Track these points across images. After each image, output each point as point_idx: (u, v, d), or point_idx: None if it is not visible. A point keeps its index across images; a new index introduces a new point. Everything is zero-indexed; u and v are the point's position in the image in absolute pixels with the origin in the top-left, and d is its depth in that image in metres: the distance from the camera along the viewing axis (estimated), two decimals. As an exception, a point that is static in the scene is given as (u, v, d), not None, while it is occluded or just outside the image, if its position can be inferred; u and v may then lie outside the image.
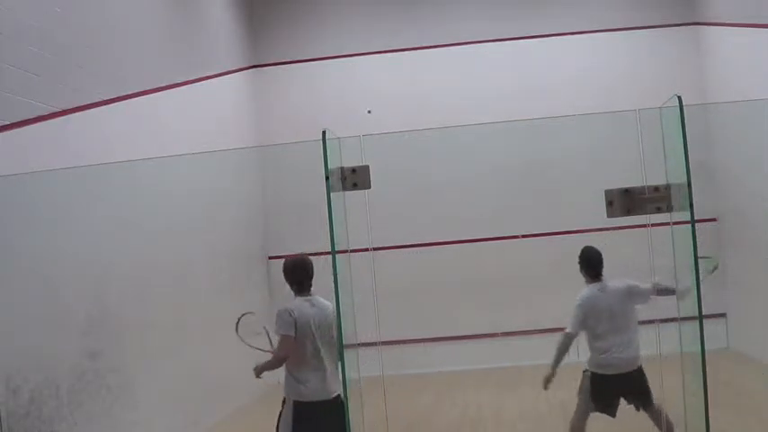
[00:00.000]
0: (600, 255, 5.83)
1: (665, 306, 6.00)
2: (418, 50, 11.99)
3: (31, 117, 5.80)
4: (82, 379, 6.14)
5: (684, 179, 4.87)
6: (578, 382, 6.04)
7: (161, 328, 7.64)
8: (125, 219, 7.23)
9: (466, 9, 11.96)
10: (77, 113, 6.52)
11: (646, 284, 5.69)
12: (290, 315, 5.05)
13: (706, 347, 4.80)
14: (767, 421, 6.96)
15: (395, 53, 12.02)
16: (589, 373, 5.80)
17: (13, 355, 5.28)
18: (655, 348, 6.88)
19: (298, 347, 5.06)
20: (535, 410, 8.38)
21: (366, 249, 7.43)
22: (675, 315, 5.44)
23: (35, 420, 5.43)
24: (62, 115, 6.24)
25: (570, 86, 11.47)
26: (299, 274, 5.25)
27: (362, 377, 5.93)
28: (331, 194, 5.34)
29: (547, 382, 5.76)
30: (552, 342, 6.00)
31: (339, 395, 5.14)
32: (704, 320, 4.86)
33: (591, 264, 5.82)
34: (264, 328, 5.39)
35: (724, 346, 10.69)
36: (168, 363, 7.66)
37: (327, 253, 5.40)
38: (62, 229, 6.13)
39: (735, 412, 6.97)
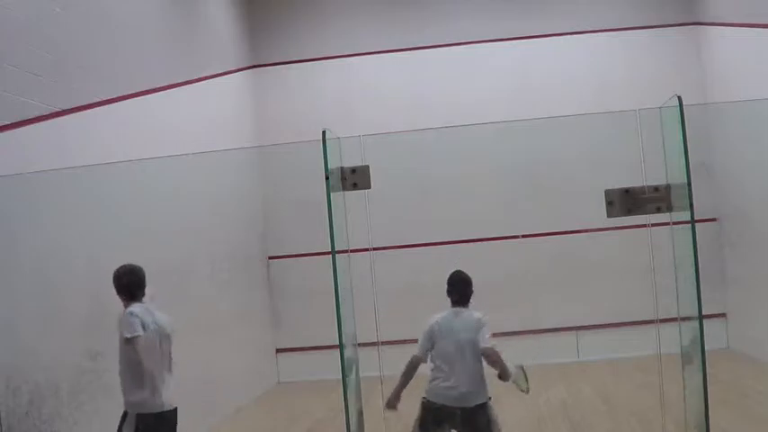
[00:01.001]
0: (468, 282, 5.56)
1: (666, 306, 6.00)
2: (418, 50, 11.99)
3: (31, 117, 5.80)
4: (82, 379, 6.14)
5: (684, 179, 4.87)
6: (572, 384, 5.92)
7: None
8: (125, 219, 7.23)
9: (466, 9, 11.95)
10: (77, 113, 6.51)
11: (487, 336, 5.15)
12: (137, 317, 4.72)
13: (706, 347, 4.80)
14: (767, 421, 6.96)
15: (395, 53, 12.01)
16: (424, 399, 5.24)
17: (13, 355, 5.27)
18: (655, 348, 6.88)
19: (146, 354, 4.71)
20: (535, 410, 8.37)
21: (366, 249, 7.43)
22: (675, 315, 5.44)
23: (35, 420, 5.43)
24: (62, 115, 6.24)
25: (570, 86, 11.47)
26: (131, 281, 4.91)
27: (362, 377, 5.93)
28: (331, 194, 5.34)
29: (390, 405, 5.29)
30: (553, 342, 5.96)
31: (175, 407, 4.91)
32: (704, 320, 4.86)
33: (455, 288, 5.54)
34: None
35: (724, 346, 10.69)
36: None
37: (327, 253, 5.40)
38: (62, 229, 6.13)
39: (735, 412, 6.98)
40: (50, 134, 6.00)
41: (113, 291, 5.01)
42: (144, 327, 4.73)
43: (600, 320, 11.01)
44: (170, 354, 5.01)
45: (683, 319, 5.32)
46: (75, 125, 6.41)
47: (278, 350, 11.72)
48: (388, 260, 10.52)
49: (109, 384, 6.50)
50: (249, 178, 11.60)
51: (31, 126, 5.77)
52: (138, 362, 4.68)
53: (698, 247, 4.91)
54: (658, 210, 5.05)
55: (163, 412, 4.82)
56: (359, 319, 6.14)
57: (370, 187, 5.69)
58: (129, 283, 4.92)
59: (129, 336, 4.67)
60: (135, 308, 4.81)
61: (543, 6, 11.89)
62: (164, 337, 4.94)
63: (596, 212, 5.34)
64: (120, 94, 7.36)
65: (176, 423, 4.97)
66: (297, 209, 11.16)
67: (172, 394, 4.91)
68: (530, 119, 10.54)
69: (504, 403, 8.95)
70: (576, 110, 10.18)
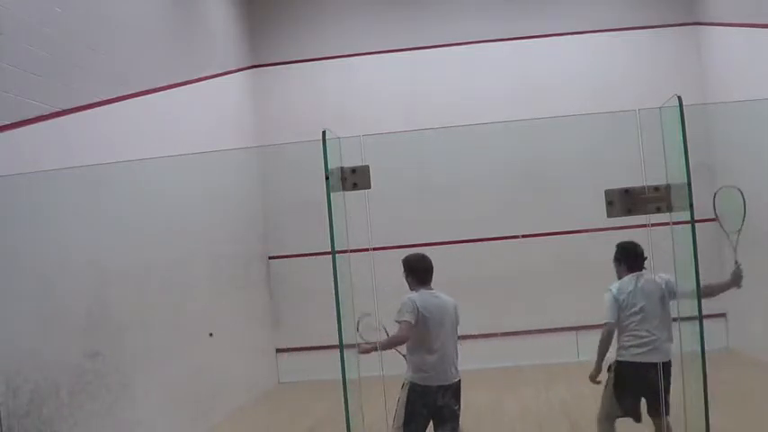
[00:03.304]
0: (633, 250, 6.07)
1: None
2: (418, 50, 11.99)
3: (31, 117, 5.80)
4: (82, 379, 6.14)
5: (684, 179, 4.87)
6: (572, 384, 6.01)
7: (161, 328, 7.64)
8: (125, 219, 7.23)
9: (466, 9, 11.96)
10: (77, 113, 6.51)
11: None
12: (414, 304, 5.58)
13: (706, 347, 4.80)
14: (767, 421, 6.96)
15: (395, 53, 12.01)
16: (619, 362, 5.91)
17: (13, 355, 5.28)
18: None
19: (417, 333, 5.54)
20: (535, 410, 8.38)
21: (366, 249, 7.42)
22: (675, 315, 5.44)
23: (35, 420, 5.43)
24: (62, 115, 6.24)
25: (570, 86, 11.47)
26: (419, 267, 5.93)
27: (362, 377, 5.93)
28: (331, 194, 5.34)
29: (593, 379, 6.00)
30: (553, 342, 5.97)
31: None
32: (704, 320, 4.86)
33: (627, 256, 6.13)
34: (383, 326, 5.96)
35: (724, 346, 10.69)
36: (168, 363, 7.66)
37: (327, 253, 5.40)
38: (62, 229, 6.13)
39: (735, 412, 6.97)
40: (51, 134, 6.00)
41: (114, 291, 5.03)
42: (420, 311, 5.62)
43: (600, 320, 10.98)
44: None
45: (683, 319, 5.32)
46: (75, 125, 6.41)
47: (278, 350, 11.72)
48: (388, 260, 10.50)
49: (109, 384, 6.53)
50: (249, 178, 11.60)
51: (32, 126, 5.77)
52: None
53: (698, 247, 4.91)
54: (658, 210, 5.05)
55: (429, 386, 5.58)
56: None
57: (370, 187, 5.68)
58: (417, 270, 5.94)
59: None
60: (413, 294, 5.73)
61: (543, 6, 11.89)
62: (447, 318, 5.68)
63: (596, 212, 5.33)
64: (120, 94, 7.37)
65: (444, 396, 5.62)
66: (297, 209, 11.15)
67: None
68: (530, 119, 10.54)
69: (504, 402, 8.97)
70: (576, 110, 10.18)
